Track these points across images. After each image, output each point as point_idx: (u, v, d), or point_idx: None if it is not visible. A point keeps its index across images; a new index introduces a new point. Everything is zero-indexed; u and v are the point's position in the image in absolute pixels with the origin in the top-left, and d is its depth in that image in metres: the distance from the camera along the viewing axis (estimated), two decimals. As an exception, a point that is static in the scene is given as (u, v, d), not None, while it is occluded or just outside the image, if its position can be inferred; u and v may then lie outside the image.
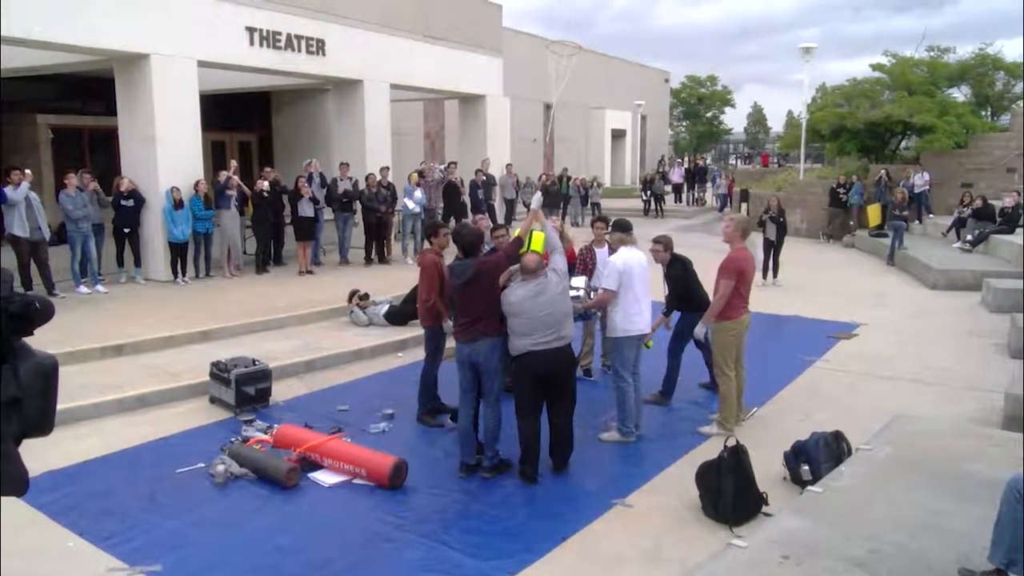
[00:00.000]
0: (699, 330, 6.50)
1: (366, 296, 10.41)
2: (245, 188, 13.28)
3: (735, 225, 6.54)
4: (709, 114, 59.03)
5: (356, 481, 5.57)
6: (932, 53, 26.57)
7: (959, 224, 16.52)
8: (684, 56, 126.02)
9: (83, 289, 11.36)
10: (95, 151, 17.66)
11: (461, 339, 5.66)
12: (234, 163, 14.13)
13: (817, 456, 5.39)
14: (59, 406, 6.90)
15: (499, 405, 5.72)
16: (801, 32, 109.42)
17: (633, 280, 6.13)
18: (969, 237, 15.62)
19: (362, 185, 14.54)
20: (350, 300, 10.36)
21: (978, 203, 16.19)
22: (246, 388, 7.03)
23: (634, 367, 6.35)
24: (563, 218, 22.20)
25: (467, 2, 19.79)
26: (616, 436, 6.29)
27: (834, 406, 7.18)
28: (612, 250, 6.75)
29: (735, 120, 69.66)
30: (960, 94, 26.64)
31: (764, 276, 13.16)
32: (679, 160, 38.33)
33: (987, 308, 11.52)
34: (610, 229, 6.41)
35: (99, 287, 11.59)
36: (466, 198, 17.11)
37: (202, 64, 12.88)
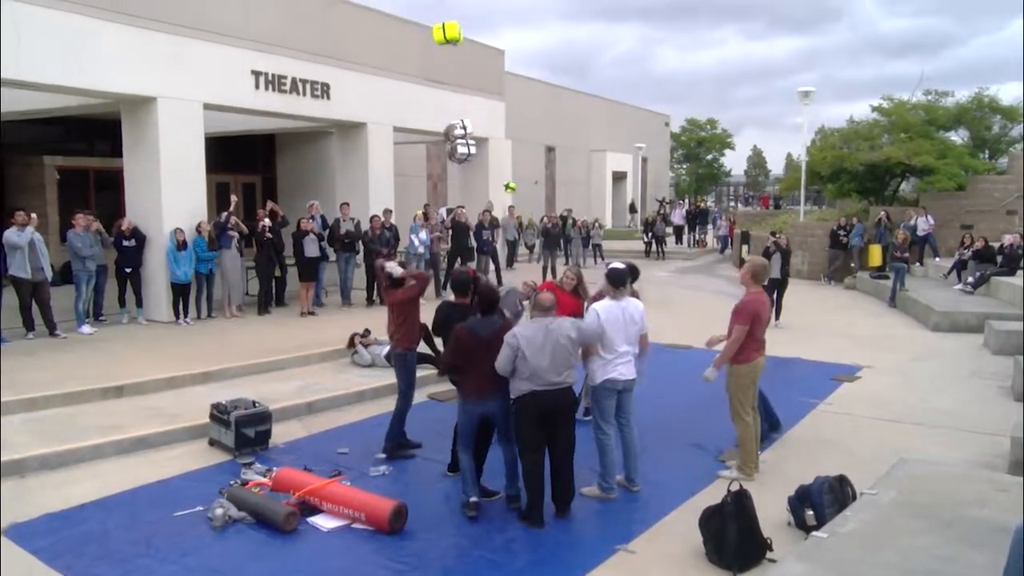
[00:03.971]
0: (710, 373, 6.39)
1: (367, 333, 10.42)
2: (243, 227, 13.35)
3: (748, 268, 6.50)
4: (709, 157, 59.56)
5: (355, 525, 5.50)
6: (929, 97, 26.89)
7: (960, 266, 16.55)
8: (684, 100, 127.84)
9: (85, 329, 11.36)
10: (100, 192, 17.80)
11: (472, 398, 5.69)
12: (235, 198, 14.23)
13: (821, 501, 5.32)
14: (58, 448, 6.92)
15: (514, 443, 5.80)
16: (799, 76, 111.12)
17: (615, 329, 5.94)
18: (970, 279, 15.63)
19: (365, 226, 14.63)
20: (350, 345, 10.35)
21: (979, 244, 16.24)
22: (246, 430, 6.99)
23: (625, 416, 6.20)
24: (567, 259, 22.27)
25: (470, 47, 20.09)
26: (596, 491, 6.06)
27: (838, 449, 7.12)
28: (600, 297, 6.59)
29: (735, 162, 70.31)
30: (958, 137, 26.91)
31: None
32: (680, 202, 38.58)
33: (990, 350, 11.48)
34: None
35: (101, 327, 11.60)
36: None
37: (208, 107, 13.05)
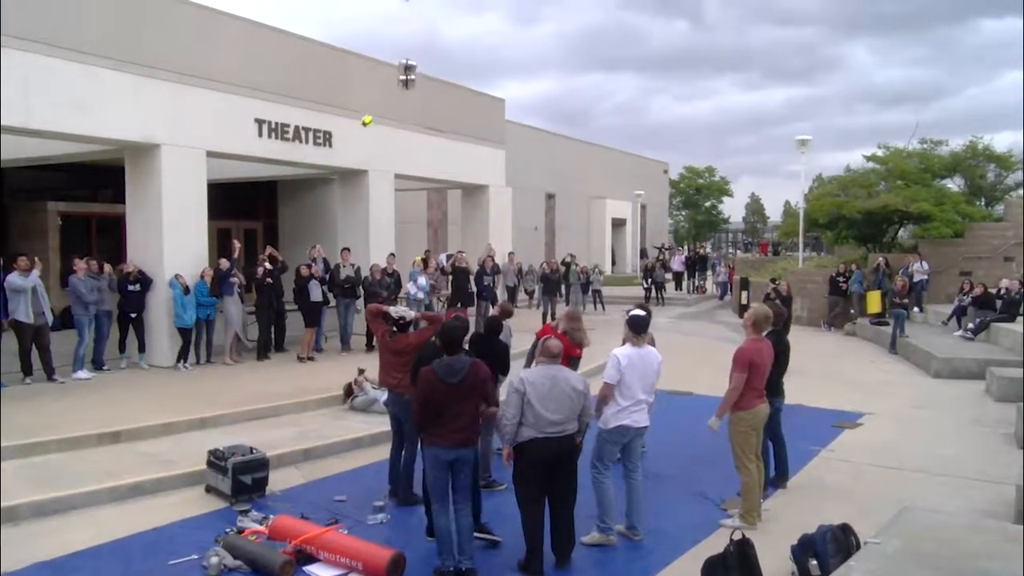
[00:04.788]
0: (713, 423, 6.36)
1: (361, 371, 10.42)
2: (242, 278, 13.39)
3: (751, 316, 6.51)
4: (708, 204, 59.97)
5: (352, 575, 5.42)
6: (924, 145, 27.21)
7: (960, 312, 16.56)
8: (682, 148, 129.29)
9: (83, 374, 11.32)
10: (102, 237, 17.89)
11: (442, 445, 5.33)
12: (237, 244, 14.31)
13: (825, 550, 5.25)
14: (52, 495, 6.85)
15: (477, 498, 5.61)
16: (794, 125, 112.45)
17: (633, 376, 5.99)
18: (971, 325, 15.63)
19: (365, 272, 14.66)
20: (347, 395, 10.30)
21: (978, 291, 16.27)
22: (243, 477, 6.92)
23: (632, 463, 6.16)
24: (567, 302, 22.26)
25: (471, 96, 20.41)
26: (596, 537, 5.95)
27: (841, 497, 7.04)
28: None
29: (733, 209, 70.73)
30: (954, 184, 27.15)
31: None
32: (679, 248, 38.72)
33: (992, 397, 11.43)
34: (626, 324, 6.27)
35: (101, 372, 11.57)
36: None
37: (211, 154, 13.20)
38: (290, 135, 14.52)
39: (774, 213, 75.53)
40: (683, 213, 61.85)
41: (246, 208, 21.19)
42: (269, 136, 14.15)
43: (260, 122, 13.98)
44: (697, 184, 59.23)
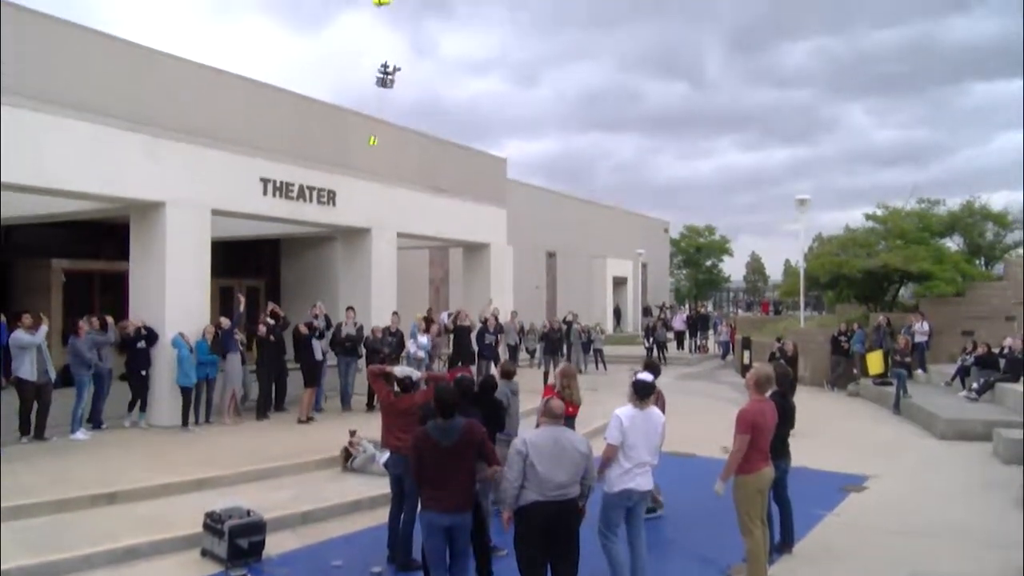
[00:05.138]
0: (719, 487, 6.26)
1: (353, 433, 10.32)
2: (243, 336, 13.37)
3: (753, 376, 6.46)
4: (708, 262, 60.20)
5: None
6: (923, 204, 27.44)
7: (963, 372, 16.48)
8: (682, 206, 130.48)
9: (80, 435, 11.21)
10: (105, 294, 17.92)
11: (437, 510, 5.26)
12: (241, 298, 14.33)
13: (834, 619, 5.12)
14: (45, 559, 6.72)
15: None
16: (793, 184, 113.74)
17: (637, 437, 5.92)
18: (975, 385, 15.53)
19: (367, 330, 14.64)
20: (346, 460, 10.17)
21: (982, 350, 16.22)
22: (239, 541, 6.80)
23: (636, 527, 6.03)
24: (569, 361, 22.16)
25: (473, 156, 20.68)
26: None
27: (848, 563, 6.91)
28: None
29: (734, 268, 70.99)
30: (953, 243, 27.30)
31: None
32: (680, 307, 38.73)
33: (1000, 459, 11.29)
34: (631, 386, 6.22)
35: (99, 432, 11.47)
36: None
37: (216, 212, 13.31)
38: (294, 194, 14.68)
39: (775, 272, 75.82)
40: (684, 272, 62.05)
41: (248, 265, 21.30)
42: (274, 195, 14.30)
43: (265, 181, 14.14)
44: (698, 243, 59.55)
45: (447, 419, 5.33)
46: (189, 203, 12.71)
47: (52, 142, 10.83)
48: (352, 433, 10.36)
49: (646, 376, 6.24)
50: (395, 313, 15.42)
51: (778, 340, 14.22)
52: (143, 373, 12.14)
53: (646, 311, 37.40)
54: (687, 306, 41.85)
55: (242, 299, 14.28)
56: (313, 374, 13.51)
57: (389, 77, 15.48)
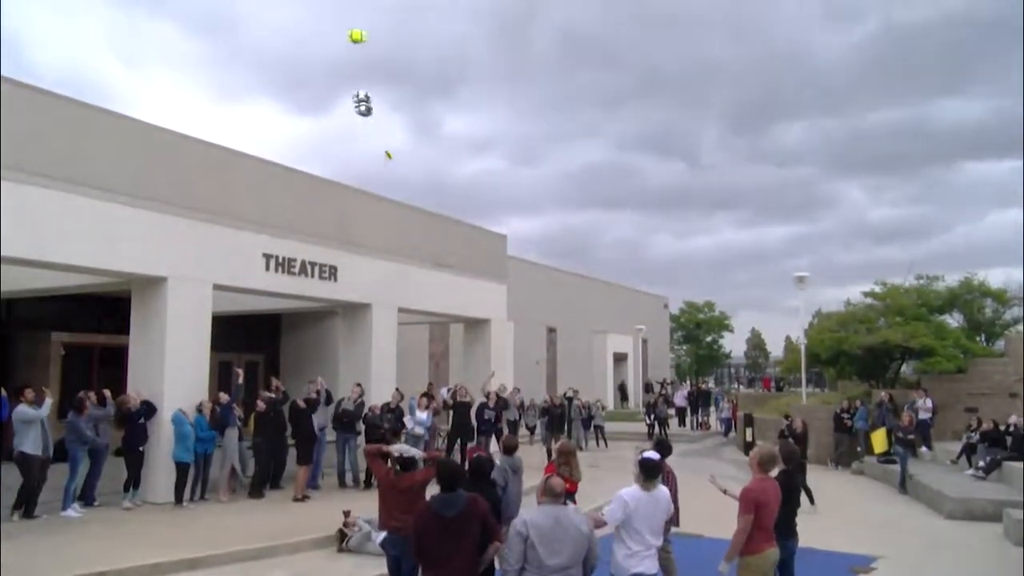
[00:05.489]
0: (723, 567, 6.09)
1: (347, 513, 10.12)
2: (241, 411, 13.26)
3: (756, 455, 6.37)
4: (709, 338, 60.16)
5: None
6: (921, 281, 27.57)
7: (969, 450, 16.27)
8: (681, 282, 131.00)
9: (71, 512, 10.99)
10: (104, 368, 17.86)
11: None
12: (239, 371, 14.24)
13: None
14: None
15: None
16: (791, 261, 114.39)
17: (642, 520, 5.74)
18: (981, 464, 15.31)
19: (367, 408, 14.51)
20: (340, 542, 9.96)
21: (987, 426, 16.05)
22: (231, 623, 6.59)
23: None
24: (570, 438, 21.90)
25: (474, 232, 20.91)
26: None
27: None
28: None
29: (734, 344, 70.84)
30: (953, 320, 27.32)
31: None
32: (681, 384, 38.48)
33: (1010, 540, 11.04)
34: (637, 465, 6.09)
35: (91, 510, 11.25)
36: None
37: (218, 287, 13.38)
38: (296, 269, 14.78)
39: (776, 348, 75.59)
40: (684, 348, 61.95)
41: (248, 340, 21.27)
42: (276, 270, 14.40)
43: (268, 257, 14.26)
44: (697, 319, 59.64)
45: (450, 492, 5.22)
46: (191, 278, 12.78)
47: (55, 217, 10.95)
48: (346, 514, 10.17)
49: (653, 454, 6.12)
50: (397, 389, 15.32)
51: (786, 417, 14.08)
52: (140, 449, 11.94)
53: (647, 387, 37.16)
54: (688, 382, 41.57)
55: (240, 373, 14.22)
56: (309, 450, 13.33)
57: (364, 104, 15.71)
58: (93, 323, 18.56)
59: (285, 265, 14.57)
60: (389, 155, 16.00)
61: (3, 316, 16.68)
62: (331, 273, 15.52)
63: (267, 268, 14.25)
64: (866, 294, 26.65)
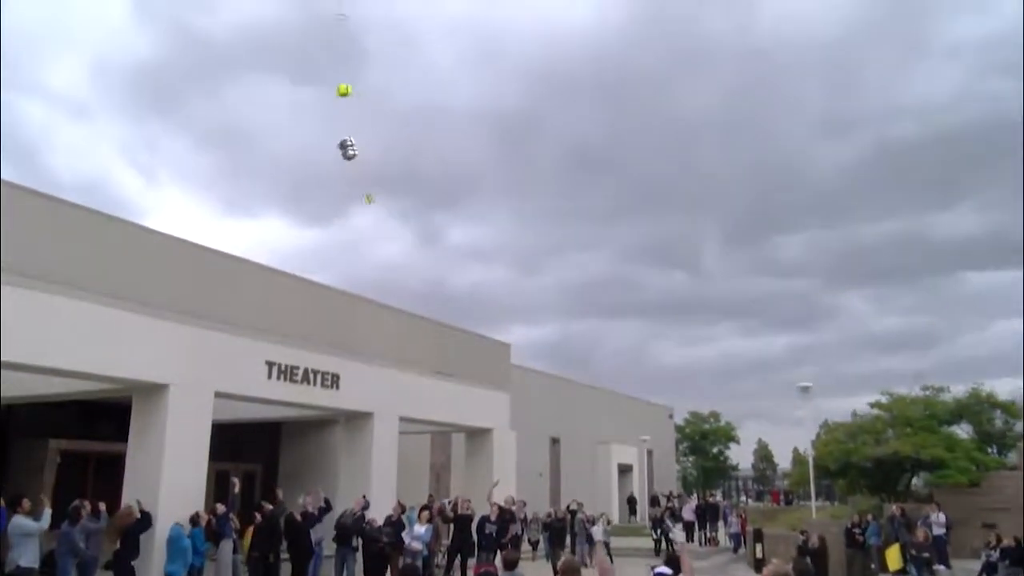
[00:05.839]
0: None
1: None
2: (237, 522, 12.96)
3: (770, 574, 6.17)
4: (715, 450, 59.21)
5: None
6: (927, 391, 27.36)
7: (990, 569, 15.73)
8: (685, 392, 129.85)
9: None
10: (99, 476, 17.52)
11: None
12: (235, 480, 13.98)
13: None
14: None
15: None
16: (796, 371, 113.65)
17: None
18: (1003, 582, 14.78)
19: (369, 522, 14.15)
20: None
21: (1009, 543, 15.57)
22: None
23: None
24: (573, 553, 21.23)
25: (477, 340, 20.97)
26: None
27: None
28: None
29: (741, 455, 69.60)
30: (962, 431, 26.94)
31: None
32: (688, 497, 37.58)
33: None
34: None
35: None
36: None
37: (219, 395, 13.30)
38: (299, 377, 14.72)
39: (783, 459, 74.15)
40: (690, 459, 60.87)
41: (247, 449, 20.95)
42: (278, 378, 14.34)
43: (270, 364, 14.23)
44: (703, 429, 58.86)
45: None
46: (192, 386, 12.72)
47: (56, 321, 11.02)
48: None
49: (665, 570, 5.98)
50: (399, 501, 14.99)
51: (802, 533, 13.67)
52: (132, 564, 11.49)
53: (653, 500, 36.24)
54: (696, 495, 40.62)
55: (237, 483, 13.97)
56: (304, 567, 12.91)
57: (351, 149, 15.89)
58: (91, 430, 18.34)
59: (287, 373, 14.53)
60: (369, 199, 16.11)
61: (0, 421, 16.52)
62: (333, 381, 15.45)
63: (269, 376, 14.20)
64: (873, 404, 26.45)
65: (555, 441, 34.79)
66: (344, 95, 14.56)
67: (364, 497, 14.56)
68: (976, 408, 26.85)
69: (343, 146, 15.76)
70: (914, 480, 24.82)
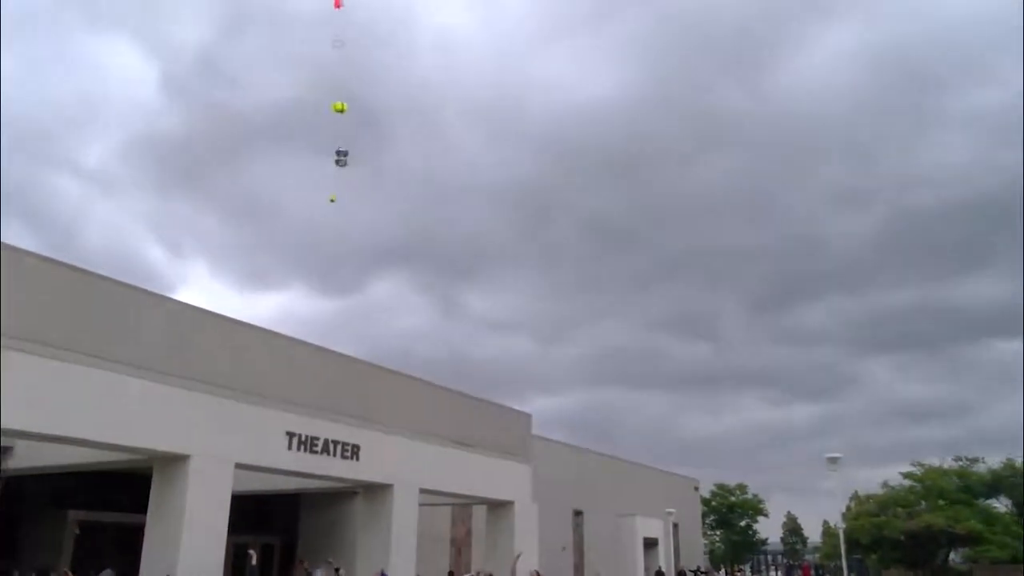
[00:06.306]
0: None
1: None
2: None
3: None
4: (742, 523, 57.68)
5: None
6: (960, 462, 26.65)
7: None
8: (711, 463, 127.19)
9: None
10: (117, 547, 17.33)
11: None
12: (254, 553, 13.78)
13: None
14: None
15: None
16: (822, 441, 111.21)
17: None
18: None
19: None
20: None
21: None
22: None
23: None
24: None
25: (498, 410, 20.79)
26: None
27: None
28: None
29: (770, 529, 67.72)
30: (1000, 504, 26.09)
31: None
32: (716, 572, 36.50)
33: None
34: None
35: None
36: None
37: (239, 466, 13.23)
38: (319, 448, 14.64)
39: (813, 532, 72.11)
40: (717, 533, 59.29)
41: (265, 521, 20.73)
42: (299, 449, 14.27)
43: (291, 435, 14.18)
44: (730, 502, 57.48)
45: None
46: (213, 456, 12.68)
47: (78, 391, 11.11)
48: None
49: None
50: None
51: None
52: None
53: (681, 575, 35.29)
54: (724, 570, 39.44)
55: (254, 556, 13.78)
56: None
57: (344, 159, 16.14)
58: (109, 500, 18.26)
59: (308, 443, 14.45)
60: (333, 198, 16.48)
61: (19, 492, 16.48)
62: (353, 452, 15.34)
63: (290, 446, 14.13)
64: (904, 475, 25.77)
65: (578, 514, 34.08)
66: (340, 111, 15.17)
67: (383, 572, 14.30)
68: (1014, 480, 26.07)
69: (339, 153, 16.27)
70: (951, 555, 23.98)
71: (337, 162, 16.29)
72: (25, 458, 12.76)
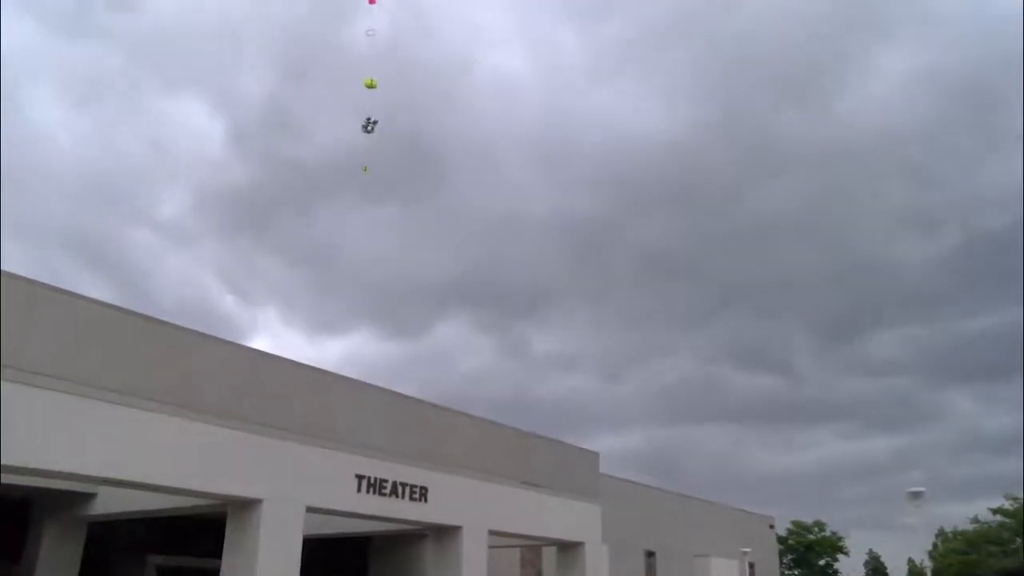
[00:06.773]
0: None
1: None
2: None
3: None
4: (822, 562, 55.59)
5: None
6: (1056, 497, 25.25)
7: None
8: (786, 501, 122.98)
9: None
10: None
11: None
12: None
13: None
14: None
15: None
16: (902, 475, 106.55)
17: None
18: None
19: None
20: None
21: None
22: None
23: None
24: None
25: (565, 449, 20.60)
26: None
27: None
28: None
29: (851, 567, 65.01)
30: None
31: None
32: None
33: None
34: None
35: None
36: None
37: (310, 510, 13.34)
38: (387, 490, 14.67)
39: (898, 572, 68.99)
40: (796, 572, 57.22)
41: (335, 564, 20.80)
42: (367, 491, 14.33)
43: (360, 477, 14.26)
44: (808, 540, 55.52)
45: None
46: (285, 500, 12.83)
47: (154, 438, 11.37)
48: None
49: None
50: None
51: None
52: None
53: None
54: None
55: None
56: None
57: (373, 125, 16.20)
58: (187, 545, 18.61)
59: (376, 486, 14.51)
60: (365, 169, 16.56)
61: (101, 538, 16.91)
62: (421, 494, 15.33)
63: (359, 489, 14.20)
64: (994, 511, 24.51)
65: (650, 555, 33.35)
66: (370, 87, 15.47)
67: None
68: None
69: (368, 120, 16.47)
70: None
71: (365, 128, 16.55)
72: (106, 504, 13.11)
